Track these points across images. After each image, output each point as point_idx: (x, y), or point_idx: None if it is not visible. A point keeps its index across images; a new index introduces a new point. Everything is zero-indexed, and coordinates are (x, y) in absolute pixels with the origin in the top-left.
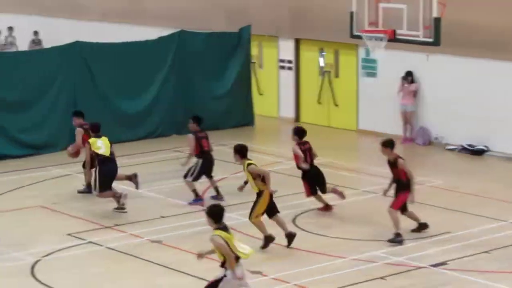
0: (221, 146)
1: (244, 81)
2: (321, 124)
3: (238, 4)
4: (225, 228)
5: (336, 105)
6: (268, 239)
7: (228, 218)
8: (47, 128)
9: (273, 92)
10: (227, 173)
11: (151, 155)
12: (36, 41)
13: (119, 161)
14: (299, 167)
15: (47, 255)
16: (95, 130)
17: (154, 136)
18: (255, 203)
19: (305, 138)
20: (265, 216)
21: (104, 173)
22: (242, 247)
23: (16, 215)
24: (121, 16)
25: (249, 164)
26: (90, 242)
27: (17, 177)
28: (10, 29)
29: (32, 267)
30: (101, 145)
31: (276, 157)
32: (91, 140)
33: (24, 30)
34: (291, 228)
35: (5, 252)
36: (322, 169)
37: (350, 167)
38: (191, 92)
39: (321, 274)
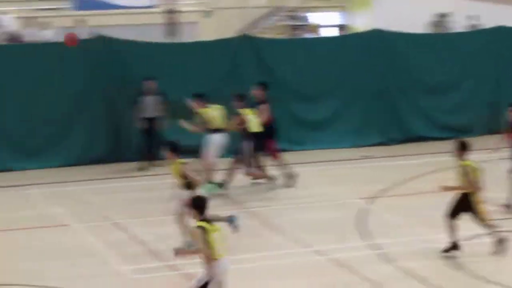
0: None
1: None
2: None
3: None
4: (208, 220)
5: None
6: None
7: None
8: (468, 111)
9: None
10: None
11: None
12: (472, 26)
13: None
14: None
15: (468, 240)
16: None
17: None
18: (476, 209)
19: None
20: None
21: None
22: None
23: (432, 197)
24: None
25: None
26: None
27: (434, 160)
28: (444, 15)
29: (445, 251)
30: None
31: None
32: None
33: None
34: None
35: (420, 234)
36: None
37: None
38: None
39: None
